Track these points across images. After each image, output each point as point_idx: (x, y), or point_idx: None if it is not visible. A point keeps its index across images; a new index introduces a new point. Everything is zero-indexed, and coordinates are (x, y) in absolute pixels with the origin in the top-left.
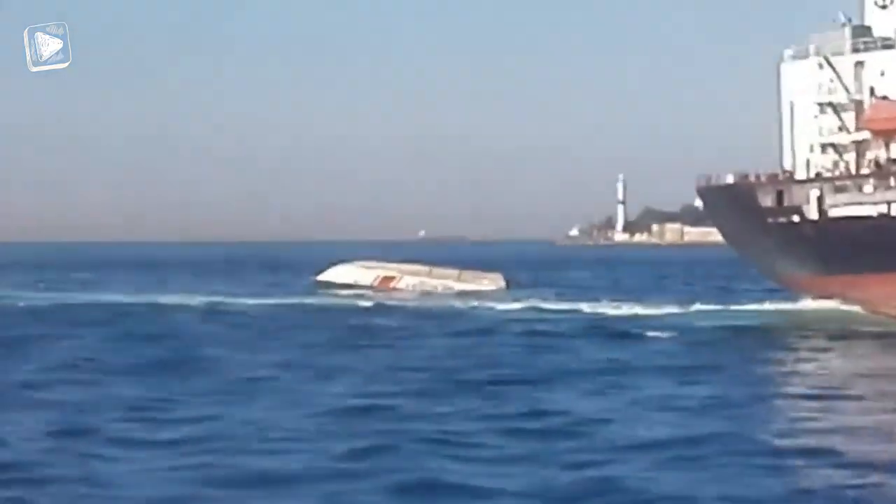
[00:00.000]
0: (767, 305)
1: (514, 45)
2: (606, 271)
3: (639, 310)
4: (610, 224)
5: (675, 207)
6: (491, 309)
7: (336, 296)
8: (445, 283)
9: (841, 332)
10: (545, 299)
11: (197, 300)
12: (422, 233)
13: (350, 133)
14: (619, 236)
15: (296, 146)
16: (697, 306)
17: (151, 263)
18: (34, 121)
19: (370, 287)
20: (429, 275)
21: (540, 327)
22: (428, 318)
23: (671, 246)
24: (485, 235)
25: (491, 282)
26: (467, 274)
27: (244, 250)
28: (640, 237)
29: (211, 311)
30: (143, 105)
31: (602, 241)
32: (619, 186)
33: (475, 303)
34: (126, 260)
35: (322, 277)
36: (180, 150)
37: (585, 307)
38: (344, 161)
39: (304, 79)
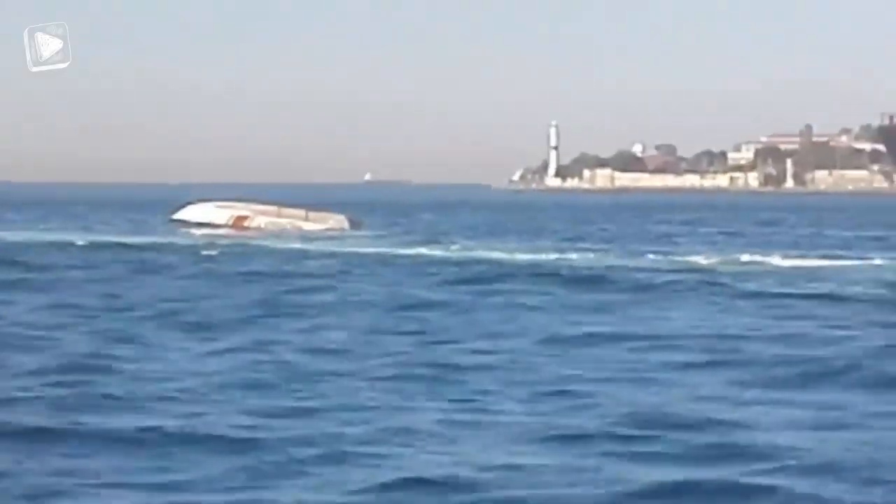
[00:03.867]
0: None
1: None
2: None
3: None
4: (546, 169)
5: (609, 153)
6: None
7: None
8: (294, 222)
9: None
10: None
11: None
12: (367, 176)
13: (284, 82)
14: (552, 181)
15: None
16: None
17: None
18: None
19: (224, 226)
20: (278, 214)
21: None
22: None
23: (601, 192)
24: (430, 178)
25: (336, 222)
26: (314, 214)
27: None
28: (571, 182)
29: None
30: None
31: (534, 186)
32: (552, 132)
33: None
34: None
35: (177, 216)
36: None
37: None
38: (287, 105)
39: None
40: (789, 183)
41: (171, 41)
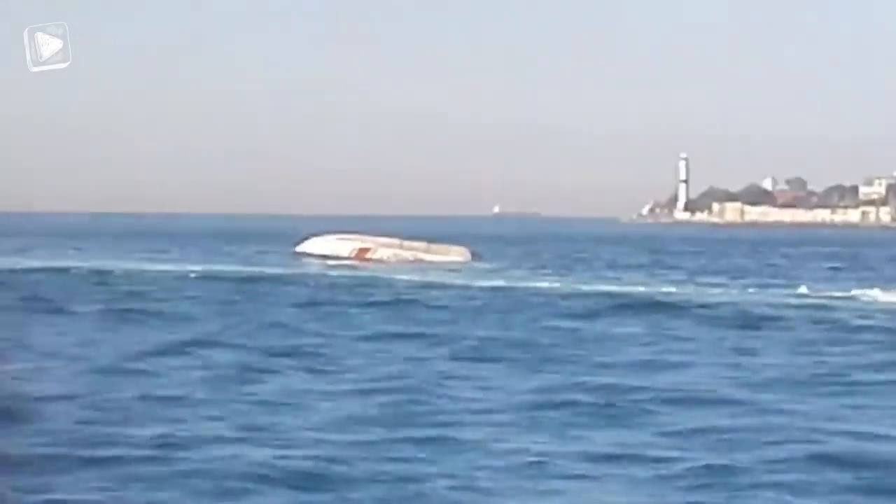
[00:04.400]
0: None
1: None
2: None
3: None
4: (674, 202)
5: (739, 186)
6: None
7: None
8: (416, 254)
9: None
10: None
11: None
12: (496, 208)
13: (421, 109)
14: (681, 215)
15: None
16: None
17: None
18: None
19: (347, 258)
20: (401, 247)
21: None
22: None
23: (730, 225)
24: (559, 211)
25: (457, 254)
26: (436, 247)
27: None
28: (700, 216)
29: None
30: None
31: (663, 220)
32: (682, 165)
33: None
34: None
35: (300, 249)
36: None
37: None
38: (413, 134)
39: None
40: None
41: (287, 68)
